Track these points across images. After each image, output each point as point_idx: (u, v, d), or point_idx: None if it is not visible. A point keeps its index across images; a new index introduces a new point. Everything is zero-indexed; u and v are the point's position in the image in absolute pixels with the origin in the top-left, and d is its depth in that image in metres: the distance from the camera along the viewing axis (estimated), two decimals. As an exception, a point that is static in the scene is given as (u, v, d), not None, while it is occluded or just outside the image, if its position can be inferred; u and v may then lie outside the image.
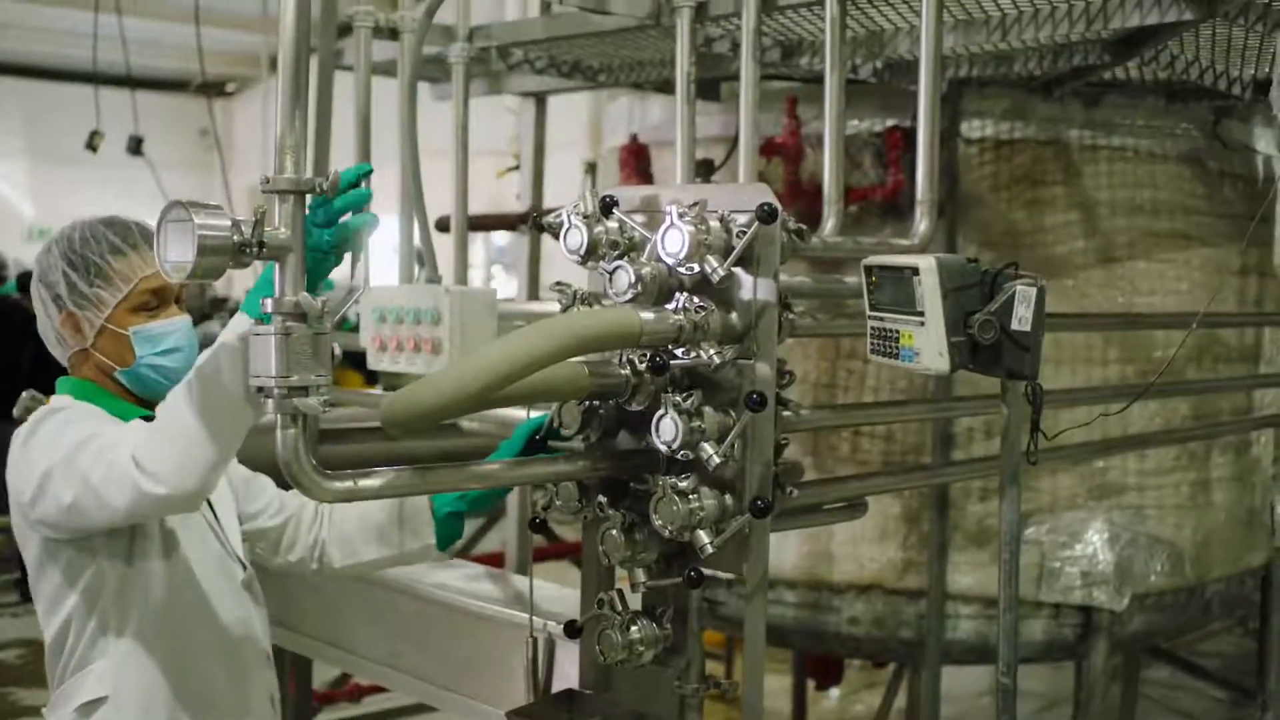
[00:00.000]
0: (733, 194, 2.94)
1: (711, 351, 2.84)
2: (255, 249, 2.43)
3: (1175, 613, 5.31)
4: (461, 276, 4.81)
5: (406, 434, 2.63)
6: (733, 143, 4.59)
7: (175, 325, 3.15)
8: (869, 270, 2.81)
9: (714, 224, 2.85)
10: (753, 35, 3.74)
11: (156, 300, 3.14)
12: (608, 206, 3.02)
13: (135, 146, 10.04)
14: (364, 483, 2.61)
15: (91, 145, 9.98)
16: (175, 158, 22.44)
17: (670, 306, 2.86)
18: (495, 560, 7.10)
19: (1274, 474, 5.78)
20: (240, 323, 2.55)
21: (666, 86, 5.28)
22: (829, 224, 3.58)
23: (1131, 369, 5.10)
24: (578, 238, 3.01)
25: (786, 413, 3.00)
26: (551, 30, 4.47)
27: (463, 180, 4.64)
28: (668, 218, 2.86)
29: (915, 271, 2.60)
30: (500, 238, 17.74)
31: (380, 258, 4.34)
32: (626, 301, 2.91)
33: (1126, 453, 4.92)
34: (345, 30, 4.50)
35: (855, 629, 5.17)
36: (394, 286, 3.69)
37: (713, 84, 5.29)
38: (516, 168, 7.01)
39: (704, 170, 4.98)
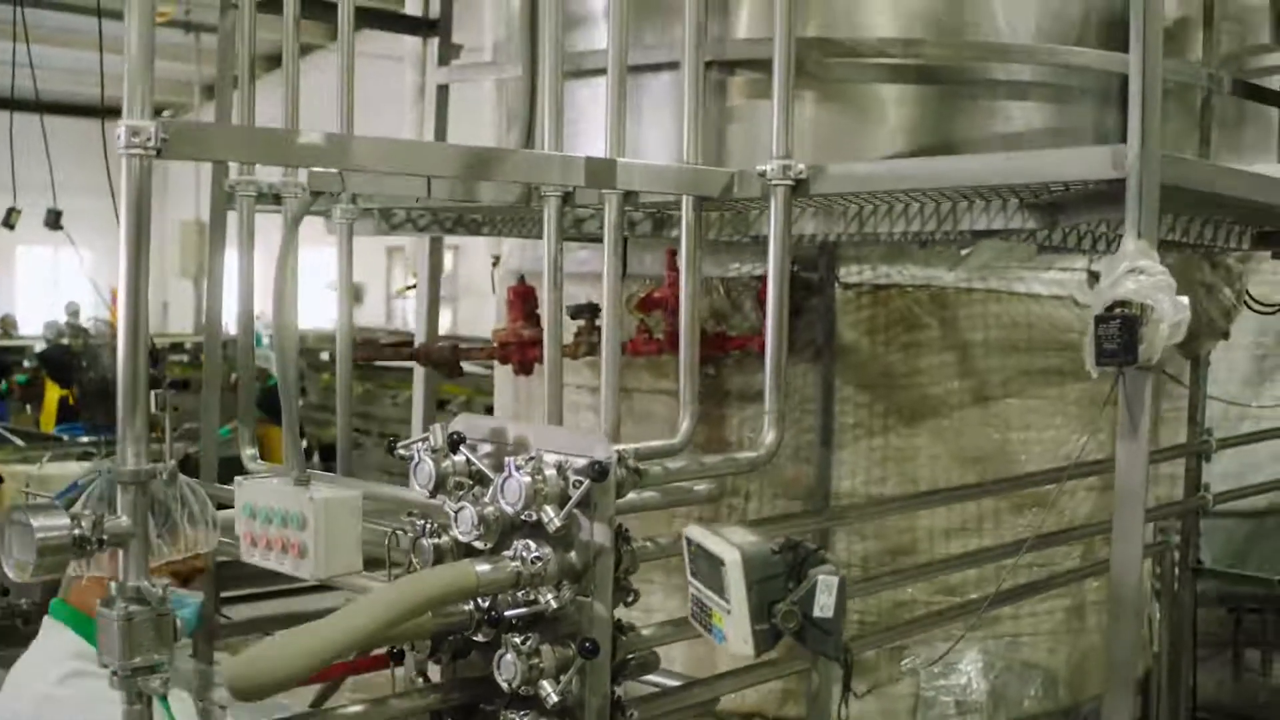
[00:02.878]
0: (574, 440, 3.08)
1: (549, 596, 2.99)
2: (96, 544, 2.55)
3: (1050, 734, 5.49)
4: (347, 410, 4.92)
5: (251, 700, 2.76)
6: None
7: None
8: (688, 540, 2.96)
9: (550, 473, 2.99)
10: (614, 229, 3.87)
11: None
12: (455, 443, 3.16)
13: (54, 221, 10.07)
14: (209, 749, 2.75)
15: (8, 223, 10.01)
16: (107, 186, 22.39)
17: (509, 553, 3.00)
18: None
19: (1151, 588, 5.96)
20: None
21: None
22: (683, 426, 3.72)
23: (1006, 503, 5.26)
24: (426, 472, 3.16)
25: (626, 637, 3.14)
26: (428, 200, 4.59)
27: (348, 326, 4.76)
28: (508, 467, 3.00)
29: (722, 562, 2.75)
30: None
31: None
32: (473, 539, 3.06)
33: (1008, 597, 5.05)
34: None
35: (739, 754, 5.32)
36: (266, 481, 3.80)
37: (601, 222, 5.42)
38: (414, 286, 7.13)
39: (589, 313, 5.11)
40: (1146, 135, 3.08)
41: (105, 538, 2.55)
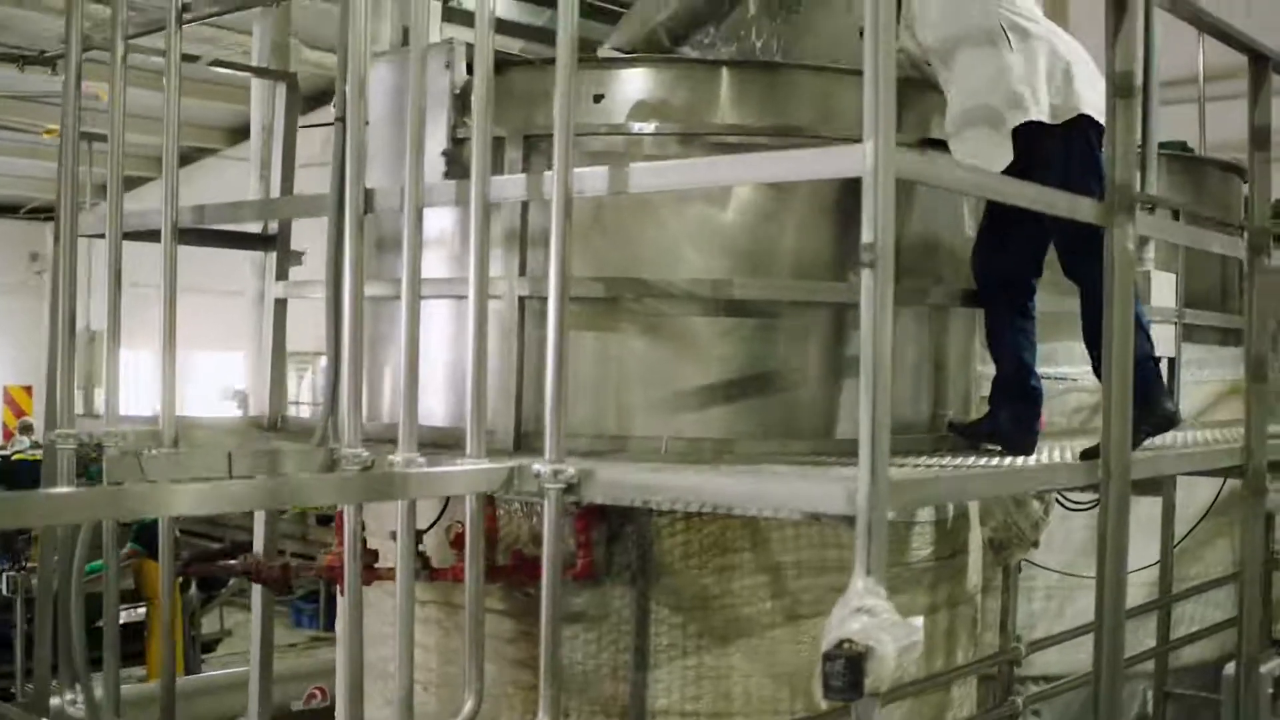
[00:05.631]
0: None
1: None
2: None
3: None
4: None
5: None
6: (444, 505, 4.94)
7: None
8: None
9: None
10: (407, 526, 4.05)
11: None
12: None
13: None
14: None
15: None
16: (5, 281, 22.47)
17: None
18: None
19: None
20: None
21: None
22: (466, 707, 3.89)
23: (825, 719, 5.45)
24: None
25: None
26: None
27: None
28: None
29: None
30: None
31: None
32: None
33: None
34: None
35: None
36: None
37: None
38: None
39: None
40: (876, 475, 3.29)
41: None
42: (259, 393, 6.15)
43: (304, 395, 19.86)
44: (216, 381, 21.12)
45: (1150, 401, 5.07)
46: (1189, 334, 8.16)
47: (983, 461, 5.05)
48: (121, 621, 10.42)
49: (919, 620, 3.36)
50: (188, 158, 24.57)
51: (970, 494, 3.96)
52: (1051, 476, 4.63)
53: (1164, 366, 7.54)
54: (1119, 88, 4.39)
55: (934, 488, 3.82)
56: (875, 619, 3.22)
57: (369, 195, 4.34)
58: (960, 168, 4.57)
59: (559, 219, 3.92)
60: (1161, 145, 9.84)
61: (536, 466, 3.87)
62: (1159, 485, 5.37)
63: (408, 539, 4.01)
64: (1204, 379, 8.47)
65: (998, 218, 5.36)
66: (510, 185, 4.33)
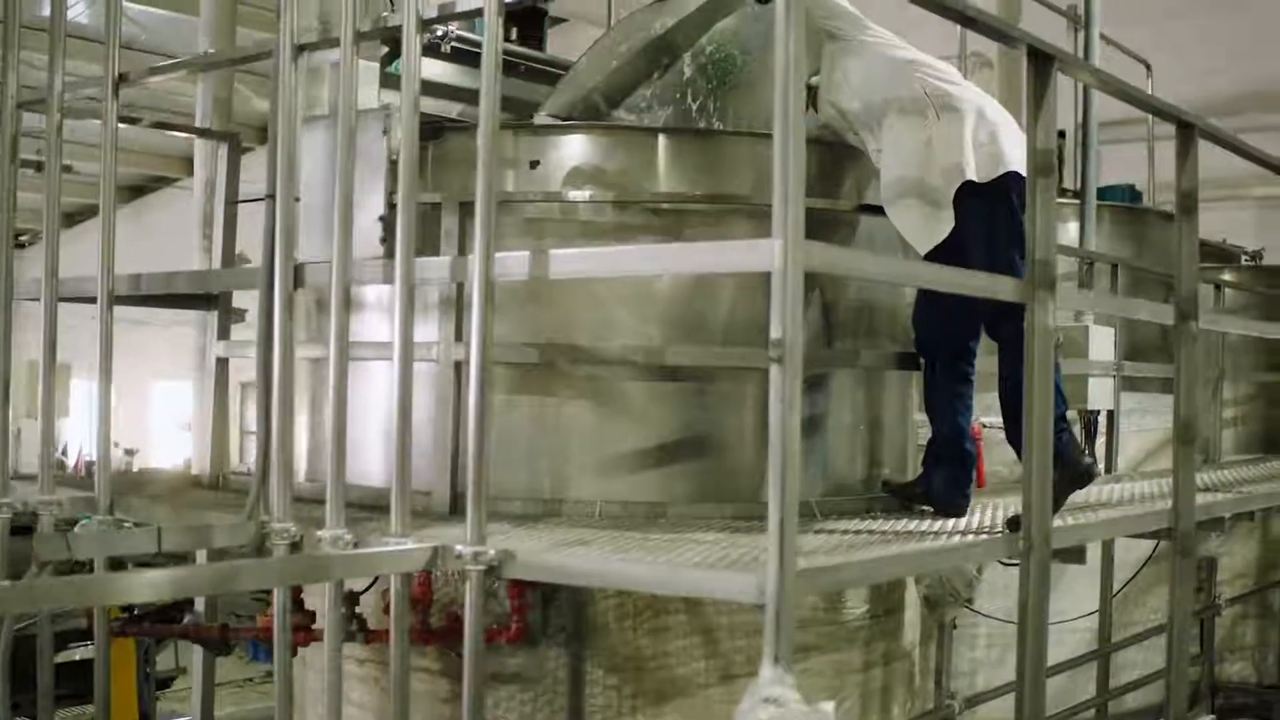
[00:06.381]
0: None
1: None
2: None
3: None
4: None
5: None
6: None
7: None
8: None
9: None
10: (333, 609, 4.10)
11: None
12: None
13: None
14: None
15: None
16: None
17: None
18: None
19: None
20: None
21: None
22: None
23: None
24: None
25: None
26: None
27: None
28: None
29: None
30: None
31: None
32: None
33: None
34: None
35: None
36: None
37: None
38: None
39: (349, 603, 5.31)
40: (784, 566, 3.34)
41: None
42: (202, 451, 6.19)
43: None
44: (174, 410, 21.10)
45: (1066, 461, 5.15)
46: (1131, 383, 8.25)
47: (913, 525, 5.13)
48: (76, 659, 10.37)
49: (829, 705, 3.41)
50: (145, 188, 24.51)
51: (883, 575, 4.02)
52: (969, 553, 4.70)
53: (1102, 419, 7.67)
54: (1039, 166, 4.46)
55: (845, 573, 3.88)
56: (783, 709, 3.27)
57: (299, 271, 4.39)
58: (873, 258, 4.64)
59: (479, 304, 3.95)
60: (1111, 188, 10.00)
61: (459, 548, 3.92)
62: (1082, 553, 5.43)
63: (334, 614, 4.05)
64: (1146, 427, 8.56)
65: None
66: (434, 267, 4.37)
